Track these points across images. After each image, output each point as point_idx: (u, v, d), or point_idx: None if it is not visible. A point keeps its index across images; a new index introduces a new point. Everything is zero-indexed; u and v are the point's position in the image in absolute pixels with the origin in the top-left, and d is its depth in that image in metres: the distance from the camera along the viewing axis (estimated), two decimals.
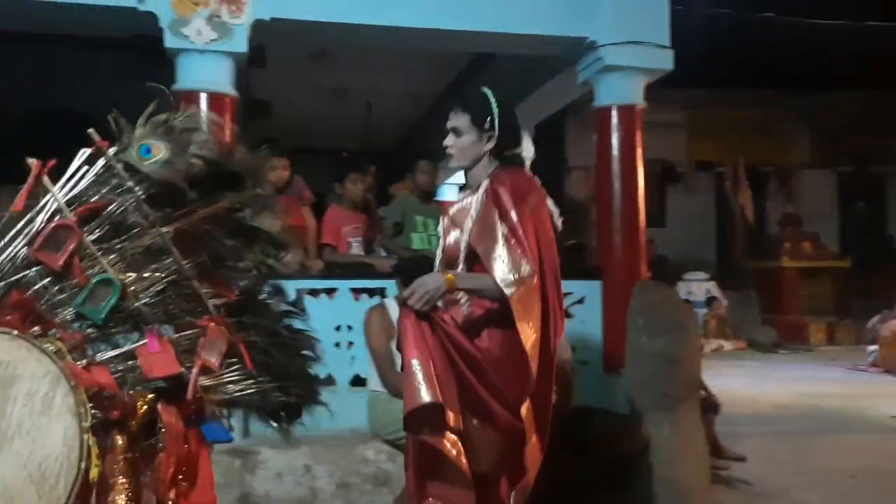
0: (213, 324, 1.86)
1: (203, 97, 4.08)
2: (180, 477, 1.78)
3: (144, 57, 6.30)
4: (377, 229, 5.21)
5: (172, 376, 1.76)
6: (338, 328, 4.22)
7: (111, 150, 1.77)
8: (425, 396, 2.18)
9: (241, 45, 4.10)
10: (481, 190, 2.47)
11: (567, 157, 11.81)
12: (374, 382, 3.92)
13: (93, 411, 1.58)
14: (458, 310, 2.49)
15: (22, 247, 1.68)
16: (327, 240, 4.88)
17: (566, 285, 4.50)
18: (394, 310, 3.96)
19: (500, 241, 2.30)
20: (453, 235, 2.53)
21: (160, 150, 1.79)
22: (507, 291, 2.24)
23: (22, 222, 1.69)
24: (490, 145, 2.47)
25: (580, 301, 4.62)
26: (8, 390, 1.52)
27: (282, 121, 8.80)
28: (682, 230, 12.84)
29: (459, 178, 3.43)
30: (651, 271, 4.74)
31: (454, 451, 2.26)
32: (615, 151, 4.61)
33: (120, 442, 1.67)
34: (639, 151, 4.66)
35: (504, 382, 2.31)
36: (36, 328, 1.64)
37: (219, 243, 1.89)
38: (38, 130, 6.51)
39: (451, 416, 2.24)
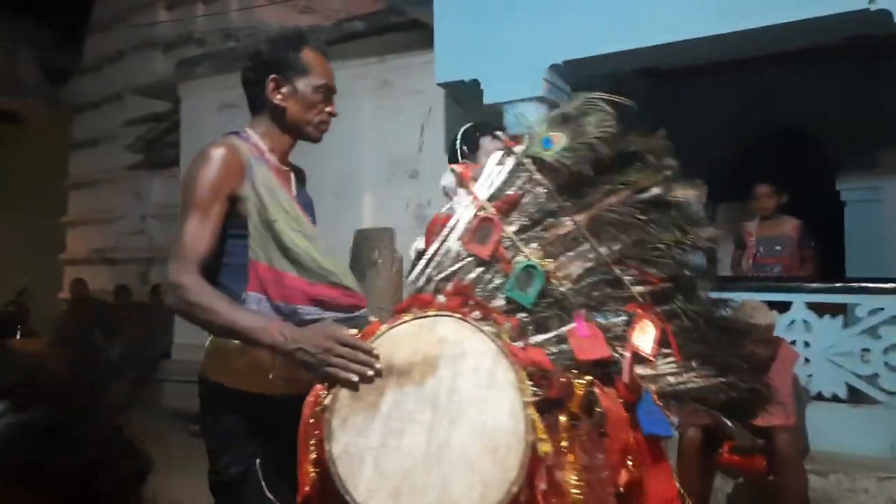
0: (639, 311, 1.79)
1: None
2: (630, 464, 1.71)
3: (856, 59, 6.09)
4: None
5: (604, 361, 1.72)
6: None
7: (518, 148, 1.87)
8: None
9: None
10: None
11: None
12: None
13: (532, 388, 1.60)
14: None
15: (455, 241, 1.83)
16: None
17: None
18: None
19: None
20: None
21: (560, 139, 1.84)
22: None
23: (452, 220, 1.86)
24: None
25: None
26: (457, 365, 1.60)
27: None
28: None
29: None
30: None
31: None
32: None
33: (562, 420, 1.66)
34: None
35: None
36: (475, 313, 1.73)
37: (635, 226, 1.83)
38: (761, 153, 6.88)
39: None
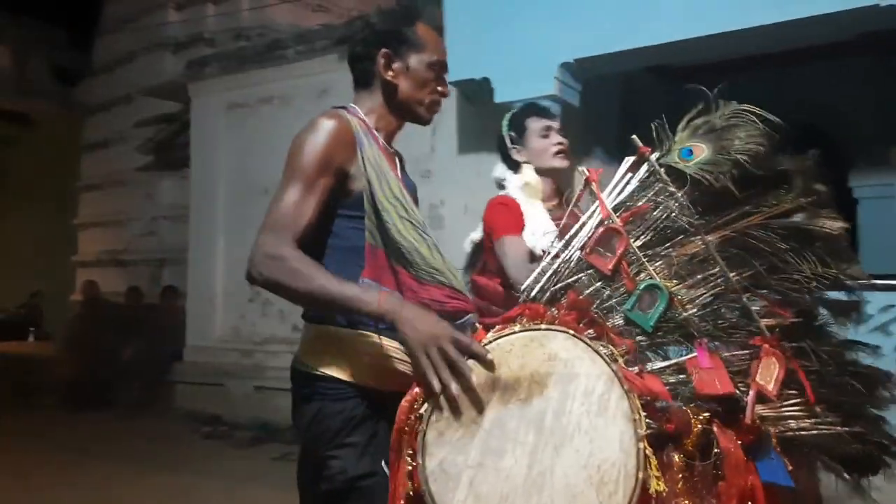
0: (766, 345, 1.63)
1: None
2: None
3: (869, 56, 6.05)
4: None
5: (726, 397, 1.57)
6: None
7: (653, 155, 1.70)
8: None
9: None
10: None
11: None
12: None
13: (647, 421, 1.47)
14: None
15: (576, 250, 1.67)
16: None
17: None
18: None
19: None
20: None
21: (701, 151, 1.69)
22: None
23: (576, 227, 1.69)
24: None
25: None
26: (567, 387, 1.48)
27: None
28: None
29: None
30: None
31: None
32: None
33: (676, 459, 1.53)
34: None
35: None
36: (589, 331, 1.58)
37: (771, 253, 1.66)
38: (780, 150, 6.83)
39: None
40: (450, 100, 6.00)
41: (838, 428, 1.69)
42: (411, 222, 1.69)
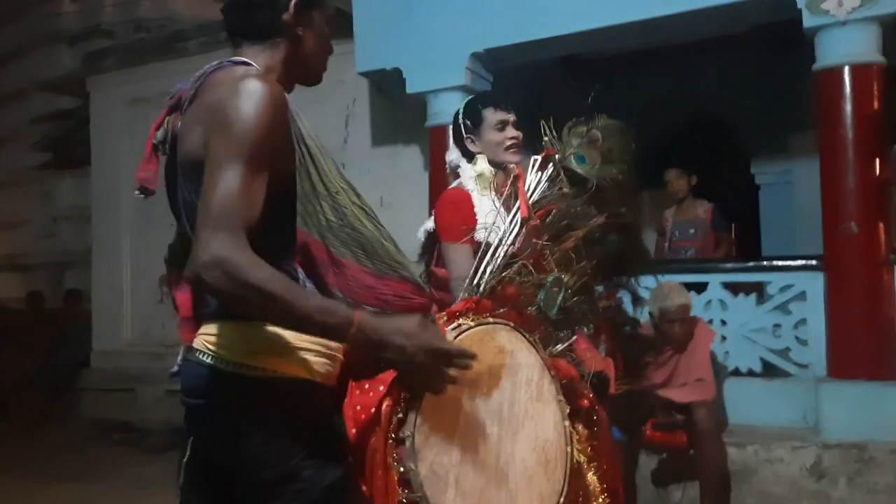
0: (605, 325, 2.05)
1: (846, 71, 3.90)
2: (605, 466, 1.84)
3: (767, 48, 6.32)
4: None
5: (600, 373, 1.90)
6: None
7: (557, 156, 1.97)
8: None
9: (891, 4, 3.77)
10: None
11: None
12: None
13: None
14: None
15: (507, 246, 1.84)
16: None
17: None
18: None
19: None
20: None
21: (593, 158, 1.96)
22: None
23: (507, 223, 1.89)
24: None
25: None
26: (515, 377, 1.60)
27: None
28: None
29: None
30: None
31: None
32: None
33: (582, 430, 1.77)
34: None
35: None
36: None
37: (607, 245, 2.02)
38: (679, 141, 7.05)
39: None
40: (362, 91, 6.00)
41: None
42: (364, 209, 1.53)
